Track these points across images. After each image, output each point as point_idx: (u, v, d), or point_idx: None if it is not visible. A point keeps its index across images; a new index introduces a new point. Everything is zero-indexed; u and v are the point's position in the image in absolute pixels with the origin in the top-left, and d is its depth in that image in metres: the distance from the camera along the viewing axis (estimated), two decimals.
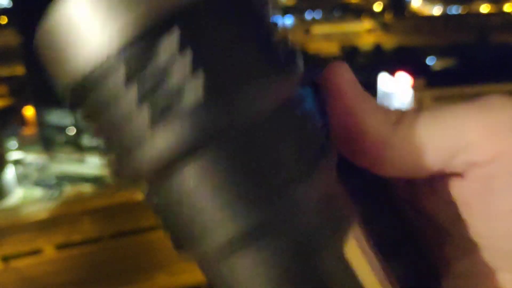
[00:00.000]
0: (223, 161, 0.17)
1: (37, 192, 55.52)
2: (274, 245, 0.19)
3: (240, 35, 0.18)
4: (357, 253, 0.24)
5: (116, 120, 0.17)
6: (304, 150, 0.19)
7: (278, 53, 0.20)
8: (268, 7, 0.21)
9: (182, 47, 0.16)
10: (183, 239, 0.20)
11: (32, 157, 61.59)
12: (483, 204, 0.29)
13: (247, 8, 0.19)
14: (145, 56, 0.16)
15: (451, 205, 0.30)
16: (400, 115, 0.25)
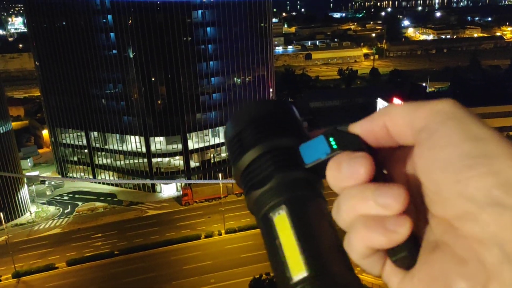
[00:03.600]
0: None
1: (51, 209, 59.37)
2: None
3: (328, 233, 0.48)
4: (285, 225, 0.48)
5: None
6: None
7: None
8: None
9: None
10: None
11: (47, 176, 65.34)
12: (425, 161, 0.46)
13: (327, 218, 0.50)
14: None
15: (408, 167, 0.51)
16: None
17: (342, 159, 0.49)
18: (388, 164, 0.53)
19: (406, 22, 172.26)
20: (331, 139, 0.51)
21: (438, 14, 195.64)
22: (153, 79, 55.59)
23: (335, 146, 0.51)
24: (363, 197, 0.47)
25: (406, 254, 0.46)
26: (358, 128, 0.52)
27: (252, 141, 0.53)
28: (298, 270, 0.45)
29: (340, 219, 0.49)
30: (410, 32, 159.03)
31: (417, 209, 0.49)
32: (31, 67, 74.63)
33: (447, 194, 0.43)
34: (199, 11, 56.47)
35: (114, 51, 56.17)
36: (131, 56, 55.51)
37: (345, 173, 0.48)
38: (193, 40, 55.18)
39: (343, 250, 0.48)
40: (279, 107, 0.56)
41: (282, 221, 0.48)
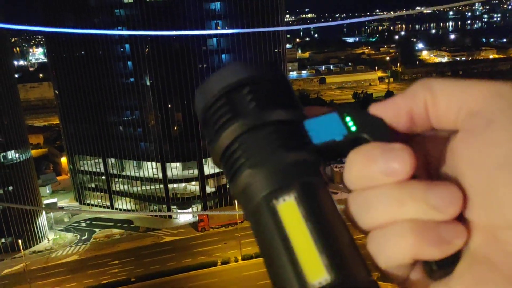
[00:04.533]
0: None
1: (68, 236, 59.65)
2: None
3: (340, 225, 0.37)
4: (294, 215, 0.36)
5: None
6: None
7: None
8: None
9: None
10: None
11: (64, 203, 66.05)
12: (477, 154, 0.35)
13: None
14: None
15: (449, 160, 0.37)
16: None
17: (376, 152, 0.38)
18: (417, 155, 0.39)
19: (420, 45, 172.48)
20: (347, 118, 0.41)
21: (452, 36, 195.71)
22: (169, 105, 56.30)
23: (353, 128, 0.40)
24: (412, 198, 0.36)
25: (448, 266, 0.36)
26: (383, 109, 0.41)
27: (243, 108, 0.39)
28: (316, 273, 0.34)
29: (366, 219, 0.38)
30: (425, 54, 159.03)
31: None
32: (51, 96, 76.41)
33: (500, 198, 0.33)
34: (214, 39, 57.48)
35: (132, 79, 57.26)
36: (148, 83, 56.46)
37: (381, 169, 0.37)
38: (209, 67, 55.99)
39: (358, 249, 0.37)
40: (273, 71, 0.45)
41: (289, 209, 0.37)
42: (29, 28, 63.80)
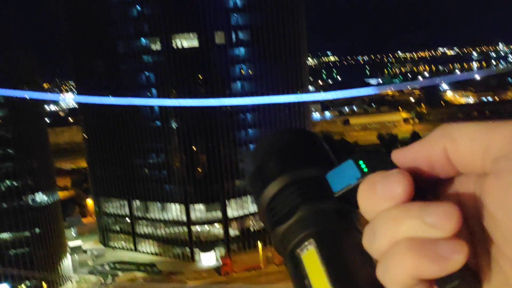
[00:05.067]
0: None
1: (92, 279, 59.38)
2: None
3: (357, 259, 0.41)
4: (314, 262, 0.42)
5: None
6: None
7: None
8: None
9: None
10: None
11: (89, 245, 66.22)
12: (508, 197, 0.34)
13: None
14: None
15: (478, 205, 0.37)
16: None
17: (375, 179, 0.41)
18: (440, 193, 0.42)
19: (444, 86, 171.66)
20: (360, 162, 0.44)
21: (477, 76, 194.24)
22: (194, 148, 56.94)
23: (366, 170, 0.43)
24: (407, 216, 0.38)
25: (458, 284, 0.36)
26: (403, 155, 0.42)
27: (274, 172, 0.48)
28: None
29: (375, 247, 0.40)
30: (450, 95, 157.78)
31: (476, 236, 0.39)
32: (79, 139, 78.40)
33: None
34: (238, 83, 58.58)
35: (158, 122, 58.46)
36: (174, 127, 57.48)
37: (380, 194, 0.40)
38: (233, 109, 56.79)
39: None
40: (302, 136, 0.52)
41: (311, 257, 0.42)
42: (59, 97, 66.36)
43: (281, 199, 0.47)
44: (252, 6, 57.45)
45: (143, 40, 58.08)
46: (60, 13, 64.53)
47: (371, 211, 0.40)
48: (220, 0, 56.25)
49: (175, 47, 56.69)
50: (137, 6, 57.45)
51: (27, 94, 56.59)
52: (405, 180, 0.39)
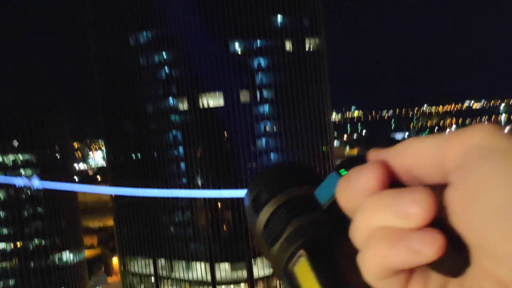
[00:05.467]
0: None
1: None
2: None
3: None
4: (307, 272, 0.43)
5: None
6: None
7: None
8: None
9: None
10: None
11: None
12: (468, 205, 0.33)
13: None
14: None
15: (443, 214, 0.35)
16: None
17: (349, 175, 0.40)
18: None
19: None
20: (341, 170, 0.44)
21: (506, 130, 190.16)
22: (219, 205, 56.77)
23: (344, 173, 0.42)
24: (380, 205, 0.36)
25: (446, 266, 0.34)
26: (378, 154, 0.41)
27: (265, 200, 0.50)
28: None
29: (356, 238, 0.38)
30: None
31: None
32: (107, 198, 79.42)
33: (497, 252, 0.32)
34: (263, 139, 59.08)
35: (184, 180, 58.91)
36: (200, 184, 57.75)
37: (355, 187, 0.38)
38: (258, 167, 56.90)
39: None
40: (290, 165, 0.54)
41: (302, 268, 0.42)
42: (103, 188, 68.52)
43: (272, 222, 0.48)
44: (276, 65, 59.00)
45: (171, 100, 59.91)
46: (93, 75, 67.65)
47: (351, 207, 0.39)
48: (245, 61, 58.08)
49: (201, 106, 58.14)
50: (165, 68, 59.79)
51: None
52: (378, 170, 0.38)
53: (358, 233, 0.38)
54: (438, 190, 0.36)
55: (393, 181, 0.39)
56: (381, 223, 0.36)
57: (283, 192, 0.49)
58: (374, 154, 0.41)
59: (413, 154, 0.38)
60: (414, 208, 0.34)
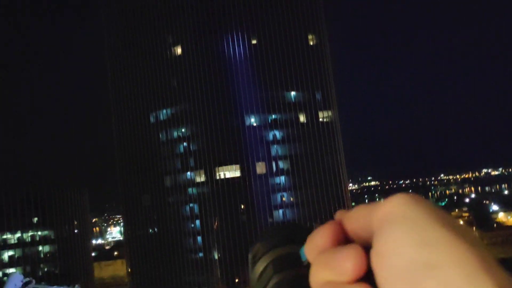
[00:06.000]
0: None
1: None
2: None
3: None
4: None
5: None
6: None
7: None
8: None
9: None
10: None
11: None
12: (378, 265, 0.42)
13: None
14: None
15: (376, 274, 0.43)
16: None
17: (311, 234, 0.49)
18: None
19: (494, 207, 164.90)
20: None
21: None
22: (236, 279, 55.53)
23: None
24: (323, 262, 0.45)
25: None
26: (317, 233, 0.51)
27: (259, 256, 0.62)
28: None
29: None
30: (501, 216, 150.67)
31: None
32: (123, 273, 78.29)
33: None
34: (280, 210, 58.96)
35: (200, 254, 58.25)
36: (216, 257, 57.01)
37: (311, 244, 0.48)
38: None
39: None
40: (287, 225, 0.65)
41: None
42: None
43: (262, 277, 0.61)
44: (291, 137, 60.29)
45: (188, 173, 60.94)
46: (114, 151, 69.63)
47: (311, 262, 0.48)
48: (261, 134, 59.61)
49: (218, 178, 58.89)
50: (184, 143, 61.53)
51: None
52: (329, 230, 0.48)
53: (313, 286, 0.46)
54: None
55: (346, 239, 0.48)
56: (326, 278, 0.45)
57: (274, 249, 0.61)
58: (337, 215, 0.51)
59: (354, 218, 0.48)
60: (346, 265, 0.42)
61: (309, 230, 0.60)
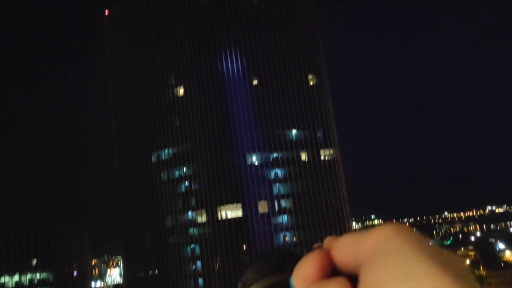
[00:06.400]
0: None
1: None
2: None
3: None
4: None
5: None
6: None
7: None
8: None
9: None
10: None
11: None
12: None
13: None
14: None
15: None
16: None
17: (299, 263, 0.51)
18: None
19: (501, 245, 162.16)
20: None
21: None
22: None
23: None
24: None
25: None
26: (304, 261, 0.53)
27: (249, 284, 0.64)
28: None
29: None
30: (508, 255, 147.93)
31: None
32: None
33: None
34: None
35: None
36: None
37: (298, 275, 0.49)
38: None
39: None
40: (276, 251, 0.67)
41: None
42: None
43: None
44: (293, 176, 60.08)
45: (190, 213, 60.38)
46: (115, 191, 69.28)
47: None
48: (262, 172, 59.47)
49: (219, 218, 58.27)
50: (185, 182, 61.31)
51: None
52: (315, 261, 0.48)
53: None
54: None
55: (334, 268, 0.49)
56: None
57: (263, 278, 0.63)
58: (326, 242, 0.52)
59: (342, 248, 0.48)
60: None
61: (298, 257, 0.62)
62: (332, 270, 0.48)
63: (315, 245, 0.57)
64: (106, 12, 73.75)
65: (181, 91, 63.31)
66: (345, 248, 0.48)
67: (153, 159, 63.78)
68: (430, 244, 0.43)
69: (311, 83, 64.36)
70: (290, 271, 0.56)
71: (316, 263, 0.48)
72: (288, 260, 0.64)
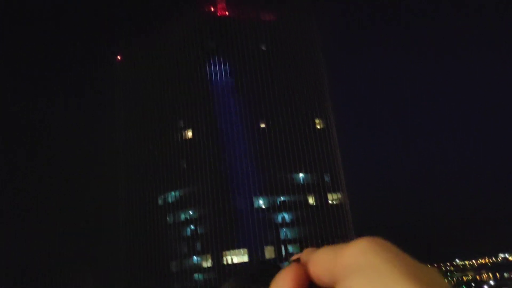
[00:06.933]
0: None
1: None
2: None
3: None
4: None
5: None
6: None
7: None
8: None
9: None
10: None
11: None
12: None
13: None
14: None
15: None
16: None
17: (276, 276, 0.50)
18: None
19: None
20: None
21: None
22: None
23: None
24: None
25: None
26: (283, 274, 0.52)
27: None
28: None
29: None
30: None
31: None
32: None
33: None
34: None
35: None
36: None
37: (277, 286, 0.49)
38: None
39: None
40: (258, 267, 0.66)
41: None
42: None
43: None
44: (300, 220, 59.26)
45: (195, 258, 59.26)
46: (119, 236, 68.41)
47: None
48: (269, 216, 58.71)
49: (225, 263, 57.09)
50: (191, 226, 60.57)
51: None
52: (291, 276, 0.48)
53: None
54: None
55: (310, 283, 0.49)
56: None
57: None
58: (304, 254, 0.52)
59: (319, 263, 0.48)
60: None
61: (277, 270, 0.60)
62: (309, 284, 0.48)
63: (293, 257, 0.55)
64: (119, 57, 75.80)
65: (189, 134, 63.77)
66: (321, 262, 0.48)
67: (160, 202, 63.37)
68: (407, 258, 0.43)
69: (318, 127, 64.66)
70: (268, 283, 0.55)
71: (292, 277, 0.48)
72: (265, 273, 0.63)
